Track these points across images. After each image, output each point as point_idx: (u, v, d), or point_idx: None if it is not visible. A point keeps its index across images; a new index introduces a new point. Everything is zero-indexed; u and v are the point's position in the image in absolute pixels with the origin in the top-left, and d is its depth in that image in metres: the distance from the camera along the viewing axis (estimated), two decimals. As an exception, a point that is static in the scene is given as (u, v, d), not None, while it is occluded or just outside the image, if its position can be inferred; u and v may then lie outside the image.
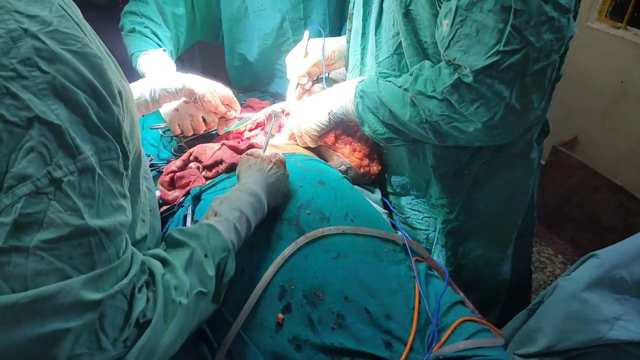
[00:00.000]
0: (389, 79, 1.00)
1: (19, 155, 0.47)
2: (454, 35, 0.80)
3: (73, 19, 0.55)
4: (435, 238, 1.22)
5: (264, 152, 0.99)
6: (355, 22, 1.14)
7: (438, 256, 1.23)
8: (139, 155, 0.70)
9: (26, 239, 0.46)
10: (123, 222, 0.55)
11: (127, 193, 0.59)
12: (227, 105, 1.27)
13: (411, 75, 0.96)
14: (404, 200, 1.26)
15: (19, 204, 0.46)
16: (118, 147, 0.56)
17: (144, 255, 0.63)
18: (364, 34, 1.10)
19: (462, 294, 1.00)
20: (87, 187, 0.51)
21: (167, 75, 1.18)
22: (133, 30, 1.30)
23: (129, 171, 0.61)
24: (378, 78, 1.03)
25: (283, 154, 1.10)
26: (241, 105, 1.62)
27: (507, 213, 1.17)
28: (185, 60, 2.32)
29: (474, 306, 0.97)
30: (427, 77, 0.91)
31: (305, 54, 1.31)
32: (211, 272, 0.69)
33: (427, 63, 0.95)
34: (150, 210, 0.79)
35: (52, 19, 0.51)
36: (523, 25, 0.75)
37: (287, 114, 1.29)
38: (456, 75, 0.83)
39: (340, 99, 1.09)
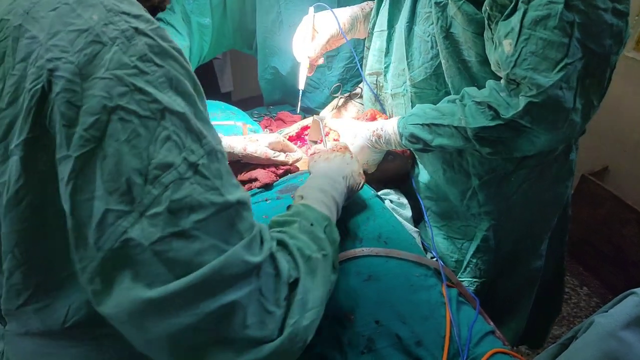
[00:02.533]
0: (431, 121, 0.99)
1: (157, 146, 0.49)
2: (519, 54, 0.81)
3: None
4: (473, 250, 1.21)
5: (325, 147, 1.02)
6: (378, 42, 1.14)
7: (476, 267, 1.21)
8: None
9: (181, 223, 0.48)
10: (246, 195, 0.57)
11: None
12: (282, 150, 1.17)
13: (453, 102, 0.95)
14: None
15: (167, 192, 0.48)
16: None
17: None
18: (387, 53, 1.11)
19: (492, 323, 0.98)
20: (215, 167, 0.53)
21: None
22: None
23: None
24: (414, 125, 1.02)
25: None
26: (272, 118, 1.63)
27: (542, 213, 1.17)
28: (218, 71, 2.34)
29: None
30: (477, 108, 0.91)
31: (313, 33, 1.25)
32: (322, 234, 0.71)
33: (468, 92, 0.94)
34: None
35: (151, 18, 0.54)
36: (584, 36, 0.78)
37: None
38: (525, 100, 0.83)
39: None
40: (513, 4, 0.80)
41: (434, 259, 1.08)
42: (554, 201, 1.16)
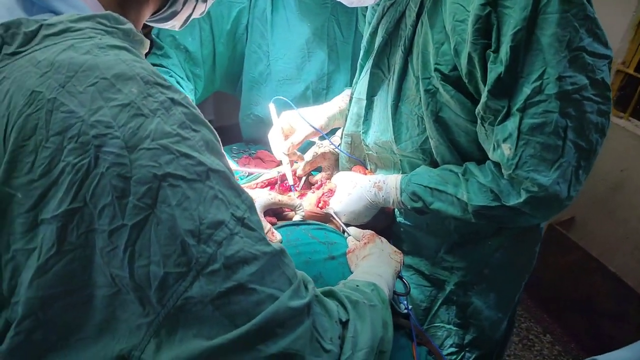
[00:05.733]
0: (435, 185, 1.02)
1: (205, 206, 0.51)
2: (520, 157, 0.86)
3: None
4: (442, 299, 1.23)
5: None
6: (356, 107, 1.18)
7: (446, 312, 1.23)
8: None
9: (237, 277, 0.51)
10: (281, 244, 0.60)
11: None
12: (278, 208, 1.13)
13: (456, 175, 0.99)
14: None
15: (221, 248, 0.51)
16: None
17: None
18: (365, 120, 1.16)
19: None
20: (256, 219, 0.56)
21: None
22: None
23: None
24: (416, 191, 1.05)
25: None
26: (250, 155, 1.63)
27: (514, 278, 1.21)
28: (198, 106, 2.33)
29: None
30: (479, 187, 0.95)
31: (286, 131, 1.29)
32: (368, 290, 0.74)
33: (471, 169, 0.98)
34: None
35: (178, 88, 0.57)
36: (576, 137, 0.84)
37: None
38: (527, 194, 0.88)
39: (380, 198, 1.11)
40: (505, 109, 0.85)
41: (406, 311, 1.09)
42: (524, 267, 1.19)
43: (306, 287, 0.59)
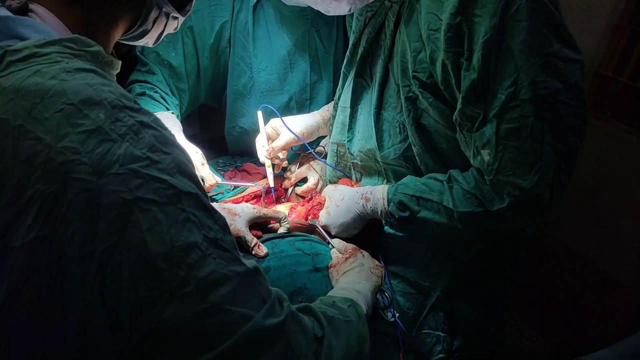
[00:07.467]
0: (420, 194, 1.03)
1: (177, 229, 0.51)
2: (499, 163, 0.87)
3: None
4: (429, 306, 1.23)
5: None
6: (342, 116, 1.19)
7: (433, 319, 1.24)
8: None
9: (210, 299, 0.51)
10: (255, 262, 0.60)
11: None
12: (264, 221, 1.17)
13: (441, 182, 1.00)
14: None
15: (194, 271, 0.50)
16: None
17: None
18: (350, 129, 1.17)
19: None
20: (229, 239, 0.56)
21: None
22: (143, 94, 1.33)
23: None
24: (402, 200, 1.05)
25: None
26: (237, 168, 1.64)
27: (499, 282, 1.22)
28: (184, 120, 2.33)
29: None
30: (464, 194, 0.96)
31: (272, 137, 1.34)
32: (344, 306, 0.74)
33: (455, 177, 0.99)
34: None
35: (148, 110, 0.57)
36: (553, 140, 0.85)
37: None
38: (510, 199, 0.90)
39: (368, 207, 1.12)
40: (482, 116, 0.86)
41: (393, 319, 1.09)
42: (509, 272, 1.21)
43: (281, 305, 0.59)
